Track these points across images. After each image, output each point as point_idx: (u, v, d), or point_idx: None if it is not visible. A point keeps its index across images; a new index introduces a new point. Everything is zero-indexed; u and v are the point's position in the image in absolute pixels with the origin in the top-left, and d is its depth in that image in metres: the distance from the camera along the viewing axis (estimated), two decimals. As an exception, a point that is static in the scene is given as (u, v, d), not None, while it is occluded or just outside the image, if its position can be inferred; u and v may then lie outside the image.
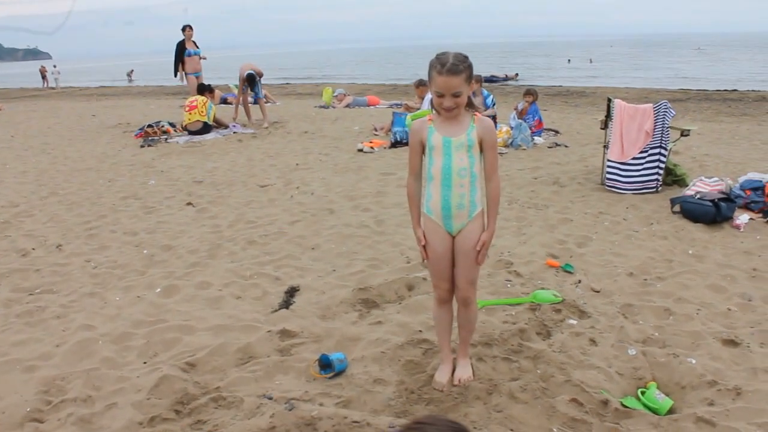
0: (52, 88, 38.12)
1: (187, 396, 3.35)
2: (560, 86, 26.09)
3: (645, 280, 4.69)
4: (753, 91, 22.39)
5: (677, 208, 6.21)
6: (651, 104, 7.17)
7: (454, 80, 2.85)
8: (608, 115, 7.36)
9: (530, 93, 11.21)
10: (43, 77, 41.86)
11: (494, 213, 3.12)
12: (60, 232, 6.41)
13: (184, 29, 13.80)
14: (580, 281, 4.67)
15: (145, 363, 3.76)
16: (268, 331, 4.01)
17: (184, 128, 12.55)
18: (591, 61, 50.36)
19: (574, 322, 4.04)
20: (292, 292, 4.66)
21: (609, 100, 7.39)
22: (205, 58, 14.65)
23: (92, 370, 3.66)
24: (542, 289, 4.51)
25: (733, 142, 10.64)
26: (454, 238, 3.14)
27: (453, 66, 2.83)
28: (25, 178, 9.15)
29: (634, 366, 3.51)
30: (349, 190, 7.62)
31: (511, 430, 2.96)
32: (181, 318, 4.31)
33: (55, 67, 42.69)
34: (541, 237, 5.69)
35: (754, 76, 31.58)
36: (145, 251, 5.74)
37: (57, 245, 5.99)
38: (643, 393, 3.27)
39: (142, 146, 11.59)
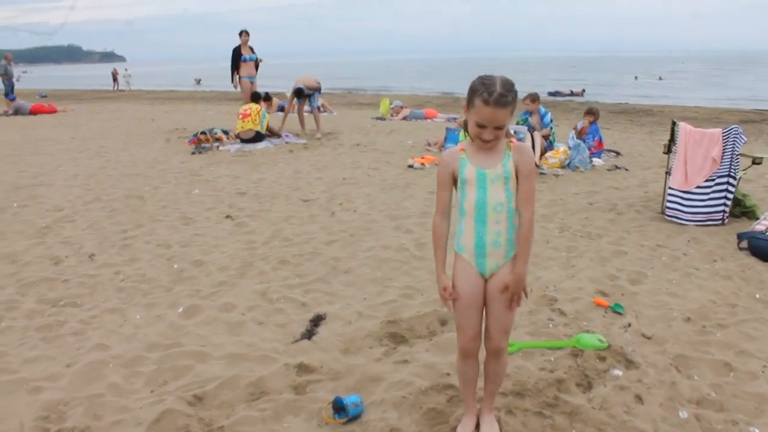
0: (122, 91, 39.23)
1: (188, 435, 3.11)
2: (626, 103, 25.24)
3: (703, 326, 4.23)
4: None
5: (744, 244, 5.69)
6: (720, 129, 6.63)
7: (501, 113, 2.53)
8: (672, 139, 6.86)
9: (591, 112, 10.71)
10: (115, 80, 43.09)
11: (526, 252, 2.75)
12: (96, 240, 6.32)
13: (240, 34, 13.79)
14: (630, 325, 4.24)
15: (152, 392, 3.53)
16: (285, 364, 3.74)
17: (237, 136, 12.52)
18: (660, 78, 48.86)
19: (620, 373, 3.63)
20: (317, 320, 4.38)
21: (673, 123, 6.89)
22: (261, 60, 14.55)
23: (96, 397, 3.47)
24: (586, 332, 4.11)
25: (811, 171, 9.90)
26: (486, 281, 2.81)
27: (501, 97, 2.49)
28: (74, 182, 9.19)
29: (685, 433, 3.10)
30: (393, 209, 7.32)
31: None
32: (197, 343, 4.09)
33: (126, 70, 43.98)
34: (591, 271, 5.26)
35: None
36: (175, 266, 5.57)
37: (90, 254, 5.89)
38: (693, 467, 2.86)
39: (193, 153, 11.59)
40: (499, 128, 2.57)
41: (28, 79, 60.02)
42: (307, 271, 5.36)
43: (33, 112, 20.26)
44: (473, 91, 2.57)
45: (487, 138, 2.59)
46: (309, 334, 4.17)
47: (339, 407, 3.24)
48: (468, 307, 2.84)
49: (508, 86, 2.54)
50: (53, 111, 20.88)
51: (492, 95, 2.49)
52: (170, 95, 33.43)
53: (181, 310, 4.62)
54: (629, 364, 3.74)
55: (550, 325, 4.26)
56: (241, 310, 4.60)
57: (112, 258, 5.81)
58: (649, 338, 4.05)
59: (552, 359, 3.79)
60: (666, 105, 24.21)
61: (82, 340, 4.18)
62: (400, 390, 3.46)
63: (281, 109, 18.53)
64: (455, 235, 2.84)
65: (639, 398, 3.37)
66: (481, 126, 2.58)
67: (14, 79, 23.77)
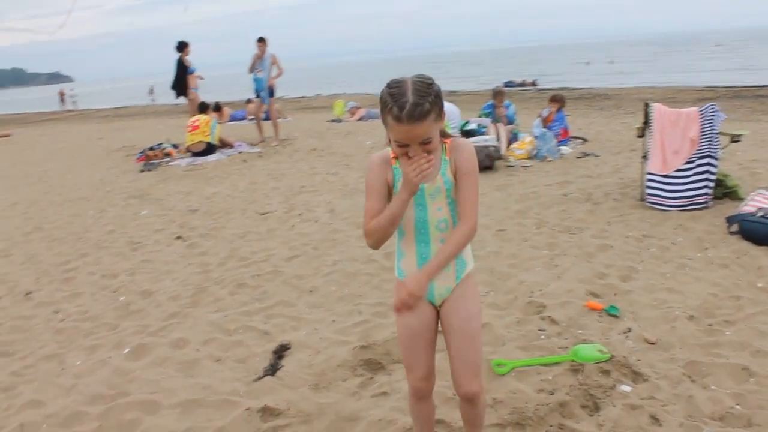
0: (70, 111, 38.05)
1: None
2: (581, 89, 25.14)
3: (710, 325, 3.83)
4: (786, 86, 21.33)
5: (735, 227, 5.33)
6: (696, 108, 6.29)
7: (420, 128, 1.99)
8: (646, 122, 6.50)
9: (556, 99, 10.35)
10: (62, 100, 41.93)
11: (445, 258, 2.17)
12: (34, 276, 5.73)
13: (183, 46, 13.05)
14: (630, 329, 3.82)
15: (92, 458, 3.01)
16: (247, 409, 3.24)
17: (187, 150, 11.91)
18: (612, 62, 49.24)
19: (628, 389, 3.21)
20: (281, 351, 3.87)
21: (647, 105, 6.52)
22: (202, 78, 13.81)
23: (25, 470, 2.92)
24: (584, 342, 3.69)
25: (781, 144, 9.69)
26: (437, 309, 2.36)
27: (416, 108, 1.95)
28: (13, 212, 8.53)
29: (716, 458, 2.68)
30: (357, 216, 6.82)
31: None
32: (146, 390, 3.55)
33: (72, 90, 42.83)
34: (578, 269, 4.84)
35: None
36: (121, 298, 5.01)
37: (26, 292, 5.30)
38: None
39: (141, 171, 10.95)
40: (426, 143, 2.04)
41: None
42: (267, 294, 4.85)
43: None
44: (383, 105, 2.02)
45: (416, 156, 2.06)
46: (273, 369, 3.67)
47: (313, 461, 2.76)
48: (415, 340, 2.37)
49: (422, 90, 1.99)
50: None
51: (403, 109, 1.95)
52: (119, 112, 32.43)
53: (127, 350, 4.07)
54: (636, 376, 3.32)
55: (542, 337, 3.82)
56: (195, 345, 4.07)
57: (51, 295, 5.23)
58: (653, 344, 3.64)
59: (550, 378, 3.35)
60: (622, 88, 24.13)
61: (11, 397, 3.62)
62: (381, 431, 2.99)
63: (234, 118, 17.94)
64: (394, 256, 2.38)
65: (655, 418, 2.94)
66: (402, 145, 2.06)
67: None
